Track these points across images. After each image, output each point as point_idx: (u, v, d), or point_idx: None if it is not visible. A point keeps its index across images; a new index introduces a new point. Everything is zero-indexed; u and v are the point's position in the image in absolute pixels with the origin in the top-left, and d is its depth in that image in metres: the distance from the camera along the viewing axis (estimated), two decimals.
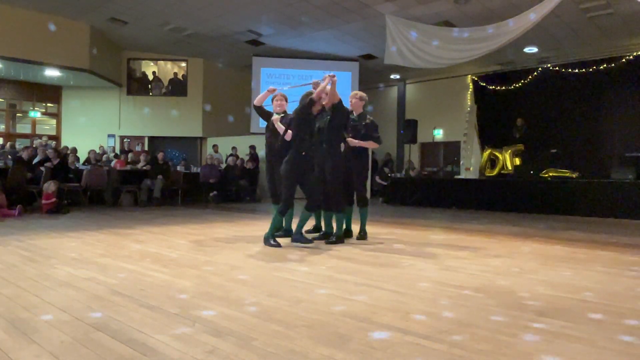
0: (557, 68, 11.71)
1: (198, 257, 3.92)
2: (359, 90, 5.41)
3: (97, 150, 11.44)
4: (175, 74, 14.52)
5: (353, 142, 4.94)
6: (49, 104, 13.86)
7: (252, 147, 12.52)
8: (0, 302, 2.50)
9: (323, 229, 5.12)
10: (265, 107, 5.26)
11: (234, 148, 12.64)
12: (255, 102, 5.22)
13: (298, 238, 4.64)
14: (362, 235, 5.12)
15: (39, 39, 10.59)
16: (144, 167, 10.54)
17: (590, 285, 3.06)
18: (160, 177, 10.02)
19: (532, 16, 7.81)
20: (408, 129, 12.38)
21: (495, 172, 10.54)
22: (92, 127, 13.58)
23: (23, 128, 13.98)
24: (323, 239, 4.87)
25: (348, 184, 5.11)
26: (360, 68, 13.46)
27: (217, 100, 14.21)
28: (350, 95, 5.18)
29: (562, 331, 2.12)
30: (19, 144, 11.60)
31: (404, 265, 3.69)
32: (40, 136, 12.55)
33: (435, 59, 9.47)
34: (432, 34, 9.35)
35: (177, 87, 14.31)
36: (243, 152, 12.65)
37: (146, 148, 13.73)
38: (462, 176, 12.23)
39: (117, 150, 13.14)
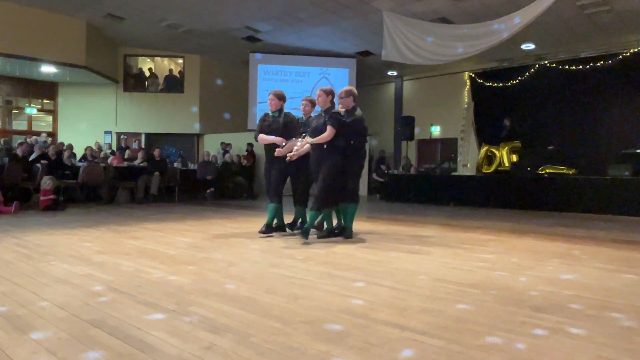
0: (554, 65, 11.70)
1: (195, 254, 3.91)
2: (356, 87, 5.35)
3: (94, 147, 11.40)
4: (171, 70, 14.47)
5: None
6: (45, 101, 13.78)
7: (250, 145, 12.49)
8: None
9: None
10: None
11: (227, 145, 12.61)
12: (259, 140, 5.09)
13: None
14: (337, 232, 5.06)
15: (34, 35, 10.52)
16: (141, 164, 10.51)
17: (587, 281, 3.07)
18: (157, 173, 9.99)
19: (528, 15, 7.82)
20: (405, 126, 12.38)
21: (492, 168, 10.54)
22: (88, 123, 13.52)
23: (19, 125, 13.91)
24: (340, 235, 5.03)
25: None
26: (357, 65, 13.45)
27: (214, 97, 14.17)
28: (337, 94, 4.86)
29: (559, 327, 2.13)
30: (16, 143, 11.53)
31: (402, 261, 3.70)
32: (39, 133, 12.48)
33: (433, 55, 9.47)
34: (429, 31, 9.35)
35: (174, 84, 14.26)
36: (242, 149, 12.63)
37: (143, 145, 13.69)
38: (459, 173, 12.24)
39: (114, 147, 13.09)
